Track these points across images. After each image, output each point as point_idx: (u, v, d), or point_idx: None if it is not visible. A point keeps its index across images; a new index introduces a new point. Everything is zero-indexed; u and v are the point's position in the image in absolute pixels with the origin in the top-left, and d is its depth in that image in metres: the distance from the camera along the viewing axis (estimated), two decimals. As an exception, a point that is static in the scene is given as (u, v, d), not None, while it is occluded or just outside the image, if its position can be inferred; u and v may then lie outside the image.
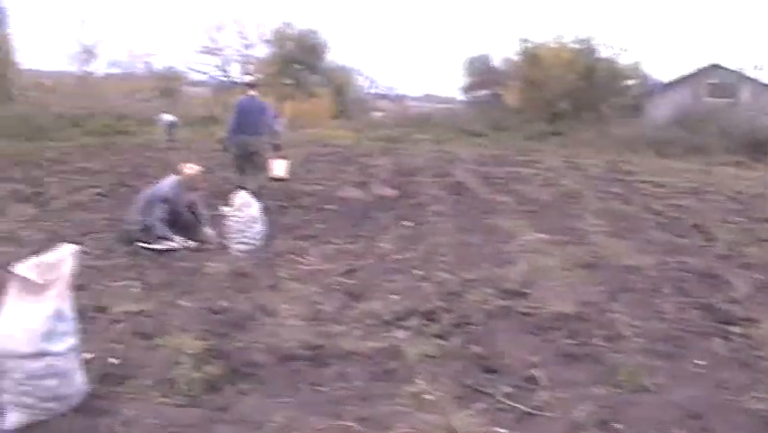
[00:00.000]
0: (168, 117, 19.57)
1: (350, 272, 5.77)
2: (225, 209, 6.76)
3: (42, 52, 60.91)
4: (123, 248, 6.34)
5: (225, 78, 35.25)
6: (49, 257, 3.06)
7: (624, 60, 29.18)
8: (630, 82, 29.72)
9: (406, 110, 34.79)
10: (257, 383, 3.48)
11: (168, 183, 6.78)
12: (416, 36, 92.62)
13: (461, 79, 35.39)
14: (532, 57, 29.03)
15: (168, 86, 34.34)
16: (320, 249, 6.66)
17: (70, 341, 3.06)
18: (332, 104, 32.93)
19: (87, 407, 3.11)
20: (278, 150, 9.33)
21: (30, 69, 29.85)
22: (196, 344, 3.82)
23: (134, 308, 4.55)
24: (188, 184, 6.87)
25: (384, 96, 39.73)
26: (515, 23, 77.48)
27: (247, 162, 8.80)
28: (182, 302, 4.78)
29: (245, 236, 6.62)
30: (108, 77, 35.41)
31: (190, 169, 6.93)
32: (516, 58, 30.77)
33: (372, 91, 39.80)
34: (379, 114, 34.48)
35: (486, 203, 10.01)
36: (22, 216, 8.15)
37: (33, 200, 9.29)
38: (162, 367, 3.54)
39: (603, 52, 28.81)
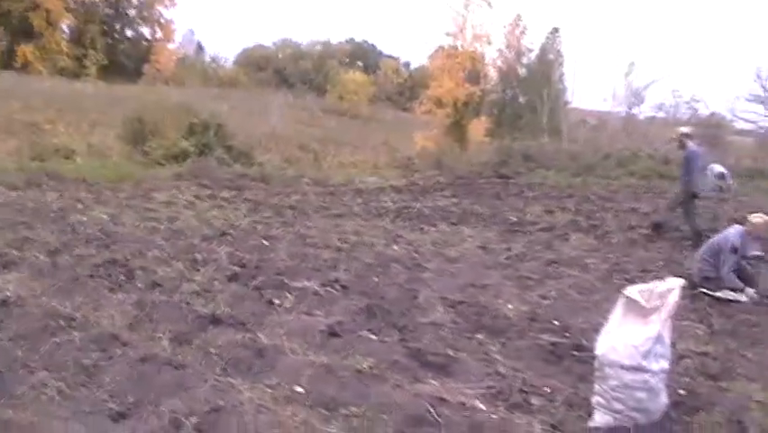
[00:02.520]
0: (717, 168, 18.81)
1: None
2: None
3: (589, 92, 65.66)
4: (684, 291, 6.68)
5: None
6: (657, 286, 3.59)
7: None
8: None
9: None
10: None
11: (733, 233, 6.82)
12: None
13: None
14: None
15: (712, 133, 32.92)
16: None
17: (664, 364, 3.55)
18: None
19: (663, 426, 3.55)
20: None
21: (576, 108, 32.35)
22: (765, 395, 3.94)
23: (699, 348, 4.87)
24: (755, 234, 6.82)
25: None
26: None
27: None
28: (746, 352, 4.88)
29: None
30: (652, 120, 35.96)
31: (759, 218, 6.83)
32: None
33: None
34: None
35: None
36: (584, 245, 9.28)
37: (592, 232, 10.41)
38: (731, 409, 3.76)
39: None
